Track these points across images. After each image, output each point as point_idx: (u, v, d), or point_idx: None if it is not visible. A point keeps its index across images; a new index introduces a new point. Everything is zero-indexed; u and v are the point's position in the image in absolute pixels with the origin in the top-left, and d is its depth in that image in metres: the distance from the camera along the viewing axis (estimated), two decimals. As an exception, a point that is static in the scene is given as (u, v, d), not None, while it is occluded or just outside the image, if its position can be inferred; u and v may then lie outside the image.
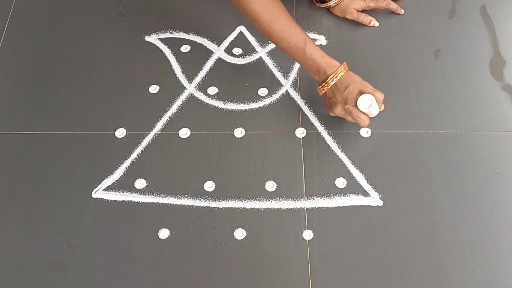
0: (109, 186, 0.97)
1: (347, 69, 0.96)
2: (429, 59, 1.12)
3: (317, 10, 1.19)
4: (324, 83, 0.95)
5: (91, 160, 1.00)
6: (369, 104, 0.93)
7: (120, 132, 1.03)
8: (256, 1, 0.93)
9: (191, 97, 1.07)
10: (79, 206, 0.95)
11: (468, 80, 1.09)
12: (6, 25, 1.19)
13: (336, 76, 0.94)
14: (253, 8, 0.94)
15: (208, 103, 1.07)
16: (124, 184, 0.97)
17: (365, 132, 1.02)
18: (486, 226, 0.92)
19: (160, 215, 0.94)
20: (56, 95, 1.08)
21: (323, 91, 0.97)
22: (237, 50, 1.14)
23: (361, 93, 0.94)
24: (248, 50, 1.14)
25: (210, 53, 1.13)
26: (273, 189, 0.96)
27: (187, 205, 0.95)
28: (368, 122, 0.95)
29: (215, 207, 0.95)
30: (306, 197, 0.95)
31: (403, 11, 1.18)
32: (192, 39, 1.15)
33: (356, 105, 0.93)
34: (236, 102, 1.07)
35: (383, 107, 0.97)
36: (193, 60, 1.12)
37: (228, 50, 1.14)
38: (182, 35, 1.16)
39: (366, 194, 0.96)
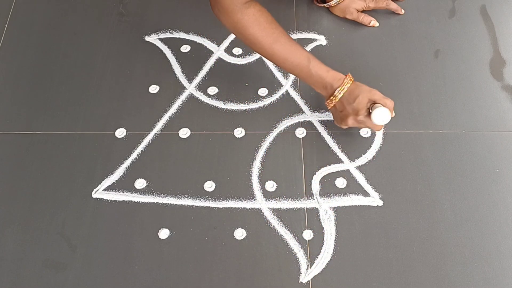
0: (109, 186, 0.97)
1: (352, 80, 0.94)
2: (429, 59, 1.12)
3: (317, 10, 1.19)
4: (332, 97, 0.94)
5: (91, 160, 1.00)
6: (386, 118, 0.91)
7: (120, 132, 1.03)
8: (255, 25, 0.91)
9: (191, 97, 1.07)
10: (79, 206, 0.95)
11: (468, 80, 1.09)
12: (6, 25, 1.19)
13: (343, 88, 0.93)
14: (253, 32, 0.92)
15: (208, 103, 1.07)
16: (124, 184, 0.97)
17: (365, 132, 1.02)
18: (486, 226, 0.92)
19: (160, 215, 0.94)
20: (56, 95, 1.08)
21: (331, 105, 0.95)
22: (237, 50, 1.14)
23: (370, 101, 0.92)
24: (248, 50, 1.14)
25: (210, 53, 1.13)
26: (273, 189, 0.96)
27: (187, 205, 0.95)
28: (382, 127, 0.95)
29: (215, 207, 0.95)
30: (306, 197, 0.95)
31: (403, 11, 1.18)
32: (192, 39, 1.15)
33: (368, 115, 0.92)
34: (236, 102, 1.07)
35: (393, 113, 0.96)
36: (193, 60, 1.12)
37: (228, 50, 1.14)
38: (182, 35, 1.16)
39: (366, 194, 0.96)
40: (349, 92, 0.93)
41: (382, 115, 0.91)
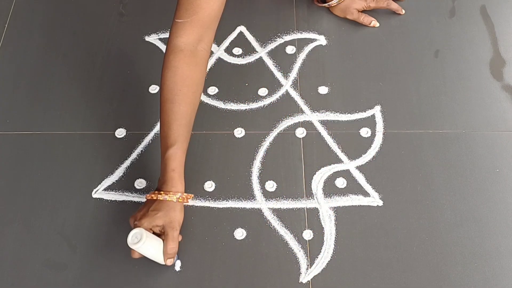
0: (109, 186, 0.97)
1: (182, 201, 0.86)
2: (429, 59, 1.12)
3: (317, 10, 1.19)
4: (155, 193, 0.86)
5: (91, 160, 1.00)
6: (137, 240, 0.81)
7: (120, 132, 1.03)
8: (171, 73, 0.87)
9: (191, 97, 1.07)
10: (79, 206, 0.95)
11: (468, 80, 1.09)
12: (6, 25, 1.19)
13: (163, 197, 0.84)
14: (164, 75, 0.87)
15: (208, 103, 1.07)
16: (124, 184, 0.97)
17: (365, 132, 1.02)
18: (486, 226, 0.92)
19: (160, 215, 0.94)
20: (56, 95, 1.08)
21: (149, 197, 0.86)
22: (237, 50, 1.14)
23: (157, 227, 0.84)
24: (248, 50, 1.14)
25: (210, 53, 1.13)
26: (273, 189, 0.96)
27: (187, 205, 0.95)
28: None
29: (215, 207, 0.95)
30: (306, 197, 0.95)
31: (403, 11, 1.18)
32: (192, 39, 1.15)
33: None
34: (236, 102, 1.07)
35: (169, 261, 0.85)
36: (193, 60, 1.12)
37: (228, 50, 1.14)
38: (182, 35, 1.16)
39: (366, 194, 0.96)
40: (159, 204, 0.85)
41: (137, 236, 0.81)
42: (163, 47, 1.14)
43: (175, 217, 0.85)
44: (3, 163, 1.00)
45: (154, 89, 1.08)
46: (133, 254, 0.84)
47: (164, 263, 0.85)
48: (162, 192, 0.85)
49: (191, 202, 0.95)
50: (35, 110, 1.06)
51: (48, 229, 0.93)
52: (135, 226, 0.84)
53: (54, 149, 1.01)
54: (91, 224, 0.93)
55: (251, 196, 0.96)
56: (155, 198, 0.85)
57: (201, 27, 0.89)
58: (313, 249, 0.90)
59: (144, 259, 0.86)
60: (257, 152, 1.00)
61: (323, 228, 0.92)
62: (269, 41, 1.14)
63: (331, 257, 0.89)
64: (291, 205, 0.95)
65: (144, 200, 0.95)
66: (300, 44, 1.14)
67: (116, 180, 0.98)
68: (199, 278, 0.88)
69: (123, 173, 0.98)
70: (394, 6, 1.17)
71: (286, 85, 1.09)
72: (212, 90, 1.08)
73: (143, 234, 0.81)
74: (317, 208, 0.94)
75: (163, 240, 0.84)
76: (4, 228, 0.93)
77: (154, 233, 0.85)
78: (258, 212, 0.94)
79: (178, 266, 0.88)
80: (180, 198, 0.86)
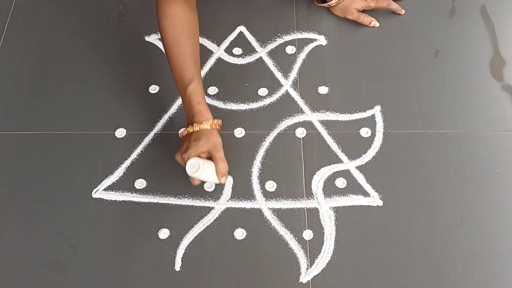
0: (109, 186, 0.97)
1: (217, 127, 0.91)
2: (429, 59, 1.12)
3: (317, 10, 1.19)
4: (189, 127, 0.91)
5: (91, 160, 1.00)
6: (196, 168, 0.86)
7: (120, 132, 1.03)
8: (170, 21, 0.93)
9: (191, 97, 1.07)
10: (79, 206, 0.95)
11: (468, 80, 1.09)
12: (6, 25, 1.19)
13: (199, 127, 0.90)
14: (164, 24, 0.93)
15: (208, 103, 1.06)
16: (124, 184, 0.97)
17: (365, 132, 1.02)
18: (486, 226, 0.92)
19: (160, 215, 0.94)
20: (56, 95, 1.08)
21: (184, 133, 0.91)
22: (237, 50, 1.14)
23: (205, 155, 0.89)
24: (248, 50, 1.14)
25: (210, 53, 1.13)
26: (273, 189, 0.96)
27: (187, 205, 0.95)
28: None
29: (215, 207, 0.95)
30: (306, 197, 0.95)
31: (403, 11, 1.18)
32: (192, 39, 1.15)
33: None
34: (236, 102, 1.07)
35: (223, 179, 0.90)
36: (193, 60, 1.12)
37: (228, 50, 1.14)
38: (182, 35, 1.16)
39: (366, 194, 0.96)
40: (199, 133, 0.89)
41: (194, 166, 0.86)
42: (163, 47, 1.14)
43: (216, 140, 0.90)
44: (3, 163, 1.00)
45: (154, 89, 1.08)
46: (194, 181, 0.90)
47: (219, 182, 0.91)
48: (195, 124, 0.90)
49: (191, 202, 0.95)
50: (35, 110, 1.06)
51: (48, 229, 0.93)
52: (184, 159, 0.88)
53: (54, 149, 1.01)
54: (91, 224, 0.93)
55: (251, 196, 0.96)
56: (191, 131, 0.90)
57: None
58: (313, 249, 0.90)
59: (141, 259, 0.86)
60: (257, 152, 1.00)
61: (323, 228, 0.92)
62: (269, 41, 1.14)
63: (331, 257, 0.89)
64: (291, 205, 0.95)
65: (144, 200, 0.95)
66: (300, 44, 1.14)
67: (116, 180, 0.98)
68: (199, 278, 0.88)
69: (123, 173, 0.98)
70: (394, 6, 1.17)
71: (286, 85, 1.09)
72: (212, 90, 1.08)
73: (199, 162, 0.87)
74: (317, 208, 0.94)
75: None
76: (4, 228, 0.93)
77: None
78: (258, 212, 0.94)
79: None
80: (213, 124, 0.91)
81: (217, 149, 0.90)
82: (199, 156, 0.88)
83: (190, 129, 0.90)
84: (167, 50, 0.94)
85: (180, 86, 0.93)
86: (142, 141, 1.02)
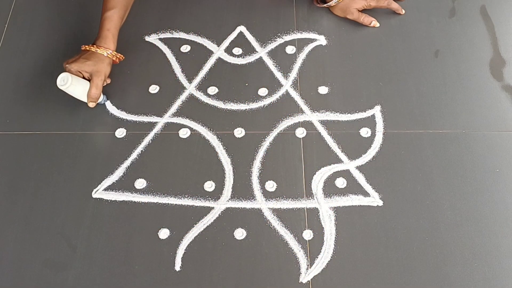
0: (109, 186, 0.97)
1: (111, 58, 1.01)
2: (429, 59, 1.12)
3: (317, 10, 1.19)
4: (89, 45, 1.01)
5: (91, 160, 1.00)
6: (65, 82, 0.98)
7: (120, 132, 1.03)
8: None
9: (191, 97, 1.07)
10: (79, 206, 0.95)
11: (468, 80, 1.09)
12: (6, 25, 1.19)
13: (95, 49, 1.00)
14: None
15: (208, 103, 1.07)
16: (124, 184, 0.97)
17: (365, 132, 1.02)
18: (486, 226, 0.92)
19: (160, 215, 0.94)
20: (56, 95, 1.08)
21: (83, 48, 1.02)
22: (237, 50, 1.14)
23: (85, 73, 1.00)
24: (248, 50, 1.14)
25: (210, 53, 1.13)
26: (273, 189, 0.96)
27: (187, 205, 0.95)
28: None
29: (215, 207, 0.95)
30: (306, 197, 0.95)
31: (404, 11, 1.18)
32: (192, 39, 1.15)
33: None
34: (236, 102, 1.07)
35: (91, 104, 1.02)
36: (193, 60, 1.12)
37: (228, 50, 1.14)
38: (182, 35, 1.16)
39: (366, 194, 0.96)
40: (92, 55, 1.00)
41: (64, 79, 0.99)
42: (163, 47, 1.14)
43: (102, 68, 1.00)
44: (3, 163, 1.00)
45: (154, 89, 1.08)
46: (89, 103, 1.01)
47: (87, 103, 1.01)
48: (95, 46, 1.01)
49: (191, 202, 0.95)
50: (35, 110, 1.06)
51: (48, 229, 0.93)
52: (65, 68, 1.00)
53: (54, 149, 1.01)
54: (91, 224, 0.93)
55: (251, 196, 0.96)
56: (88, 49, 1.01)
57: None
58: (313, 249, 0.90)
59: (141, 259, 0.86)
60: (257, 152, 1.00)
61: (323, 228, 0.92)
62: (269, 41, 1.14)
63: (331, 257, 0.89)
64: (291, 205, 0.95)
65: (144, 200, 0.95)
66: (300, 44, 1.14)
67: (116, 180, 0.98)
68: (199, 278, 0.88)
69: (123, 173, 0.98)
70: (395, 5, 1.17)
71: (286, 85, 1.09)
72: (212, 90, 1.08)
73: (69, 78, 0.98)
74: (317, 208, 0.94)
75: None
76: (4, 228, 0.93)
77: (83, 77, 1.00)
78: (258, 212, 0.94)
79: (109, 105, 1.05)
80: (110, 54, 1.01)
81: (98, 76, 0.99)
82: (80, 74, 0.99)
83: (88, 48, 1.01)
84: None
85: (102, 11, 1.02)
86: (142, 141, 1.02)
